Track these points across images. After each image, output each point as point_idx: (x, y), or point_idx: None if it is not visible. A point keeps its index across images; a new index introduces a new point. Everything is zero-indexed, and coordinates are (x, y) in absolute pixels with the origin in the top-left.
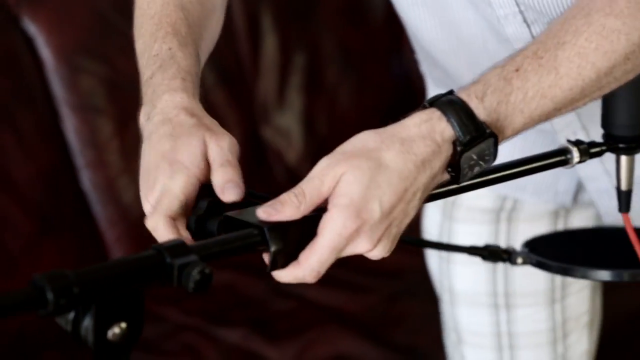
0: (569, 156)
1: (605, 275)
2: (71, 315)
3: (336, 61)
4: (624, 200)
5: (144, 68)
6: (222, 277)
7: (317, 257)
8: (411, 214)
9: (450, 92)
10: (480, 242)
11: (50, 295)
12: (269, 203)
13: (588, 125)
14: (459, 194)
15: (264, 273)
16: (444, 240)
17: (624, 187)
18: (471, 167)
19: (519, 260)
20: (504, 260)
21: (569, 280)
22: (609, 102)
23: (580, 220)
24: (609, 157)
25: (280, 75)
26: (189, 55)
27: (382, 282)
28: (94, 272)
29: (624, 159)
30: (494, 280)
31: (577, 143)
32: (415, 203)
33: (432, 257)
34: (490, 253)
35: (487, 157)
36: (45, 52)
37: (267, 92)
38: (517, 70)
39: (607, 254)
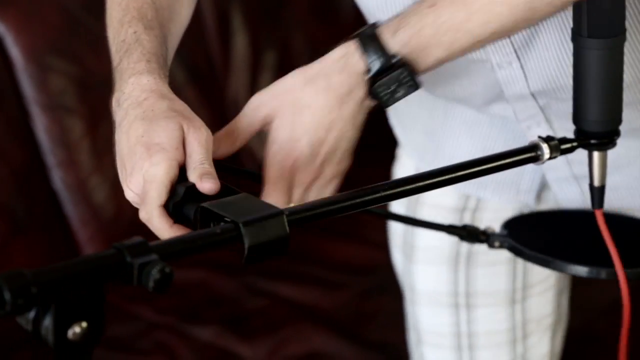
0: (539, 152)
1: (580, 271)
2: (32, 314)
3: (307, 59)
4: (597, 196)
5: (114, 55)
6: (195, 275)
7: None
8: (347, 136)
9: (372, 26)
10: (443, 242)
11: (7, 295)
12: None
13: (552, 118)
14: (426, 191)
15: (237, 271)
16: (408, 239)
17: (597, 183)
18: (393, 92)
19: (496, 243)
20: (481, 241)
21: (531, 281)
22: (580, 98)
23: None
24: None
25: (251, 73)
26: (155, 38)
27: (354, 278)
28: (53, 271)
29: (596, 154)
30: (455, 280)
31: (548, 139)
32: (348, 132)
33: (397, 254)
34: (469, 233)
35: (407, 83)
36: (15, 52)
37: (238, 90)
38: (431, 6)
39: (590, 242)
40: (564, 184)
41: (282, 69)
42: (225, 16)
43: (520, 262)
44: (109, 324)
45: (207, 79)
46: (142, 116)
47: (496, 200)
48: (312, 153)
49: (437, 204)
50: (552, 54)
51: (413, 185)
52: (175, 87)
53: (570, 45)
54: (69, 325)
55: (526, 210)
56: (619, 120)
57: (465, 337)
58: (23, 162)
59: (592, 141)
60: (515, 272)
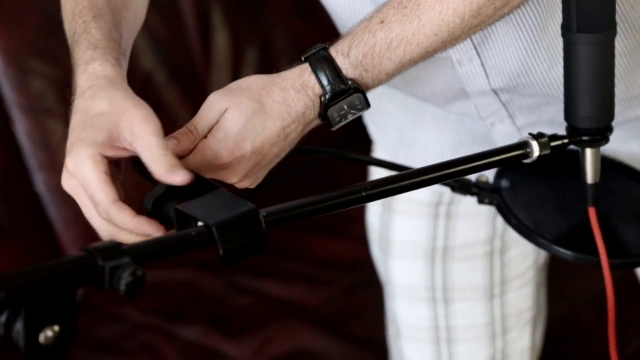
0: (528, 150)
1: (565, 254)
2: (3, 318)
3: (288, 55)
4: (590, 193)
5: (70, 47)
6: (179, 275)
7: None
8: (282, 155)
9: (324, 48)
10: (418, 236)
11: None
12: (166, 138)
13: (515, 113)
14: (413, 189)
15: (222, 269)
16: (384, 233)
17: (590, 180)
18: (343, 116)
19: (486, 200)
20: (472, 194)
21: (509, 276)
22: (571, 94)
23: None
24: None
25: (232, 71)
26: (104, 24)
27: (340, 274)
28: (23, 275)
29: (589, 151)
30: (432, 274)
31: (537, 136)
32: (286, 146)
33: (375, 249)
34: (460, 185)
35: (358, 107)
36: None
37: (219, 88)
38: (382, 22)
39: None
40: None
41: (264, 67)
42: (205, 14)
43: (497, 257)
44: (94, 325)
45: (188, 78)
46: (81, 107)
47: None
48: (250, 159)
49: (412, 198)
50: (512, 51)
51: (397, 184)
52: (157, 87)
53: (529, 42)
54: (41, 329)
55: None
56: (611, 116)
57: (444, 331)
58: (4, 165)
59: (584, 138)
60: (493, 267)
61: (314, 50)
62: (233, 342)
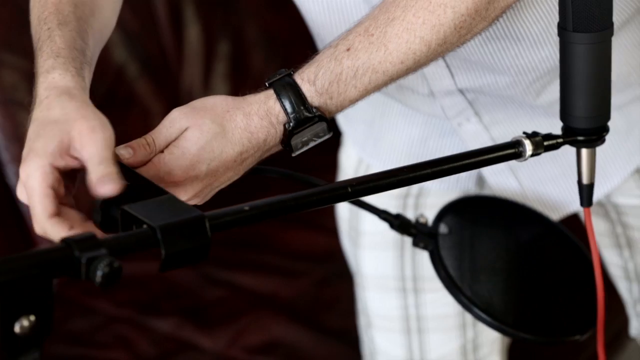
0: (520, 149)
1: (483, 318)
2: None
3: (261, 48)
4: (585, 194)
5: (35, 52)
6: (152, 267)
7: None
8: (234, 178)
9: (289, 74)
10: (387, 227)
11: None
12: (122, 146)
13: (481, 111)
14: (402, 187)
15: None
16: (353, 224)
17: (585, 180)
18: (305, 143)
19: (421, 244)
20: (410, 234)
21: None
22: (566, 94)
23: None
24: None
25: (205, 64)
26: (69, 32)
27: (313, 266)
28: None
29: (584, 152)
30: (401, 265)
31: (531, 135)
32: (241, 170)
33: (345, 240)
34: (401, 224)
35: (321, 135)
36: None
37: (192, 81)
38: (348, 49)
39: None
40: (500, 175)
41: (236, 59)
42: (177, 7)
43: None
44: (68, 318)
45: (160, 70)
46: (36, 116)
47: (437, 188)
48: (203, 181)
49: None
50: (477, 56)
51: (385, 181)
52: (129, 80)
53: (492, 44)
54: (16, 318)
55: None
56: (607, 117)
57: (414, 321)
58: None
59: (580, 138)
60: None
61: (278, 77)
62: (207, 334)
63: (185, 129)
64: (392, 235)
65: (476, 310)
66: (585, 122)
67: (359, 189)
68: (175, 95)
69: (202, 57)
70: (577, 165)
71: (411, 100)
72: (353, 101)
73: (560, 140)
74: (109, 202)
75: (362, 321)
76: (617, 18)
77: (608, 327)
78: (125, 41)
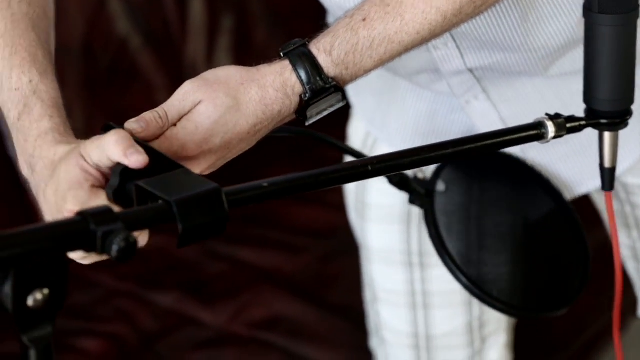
0: (543, 130)
1: (463, 282)
2: None
3: (264, 22)
4: (607, 178)
5: (7, 104)
6: (154, 241)
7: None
8: (246, 149)
9: (304, 44)
10: (394, 200)
11: None
12: (135, 120)
13: (488, 88)
14: (412, 168)
15: None
16: (360, 197)
17: (607, 164)
18: (320, 112)
19: (417, 202)
20: (407, 190)
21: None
22: (591, 77)
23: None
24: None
25: (209, 38)
26: (51, 84)
27: (315, 242)
28: (12, 237)
29: (607, 135)
30: (408, 239)
31: (554, 117)
32: (254, 141)
33: (352, 214)
34: (399, 180)
35: (336, 105)
36: None
37: (195, 55)
38: (364, 19)
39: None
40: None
41: (240, 33)
42: None
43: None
44: (69, 292)
45: (164, 44)
46: (52, 175)
47: None
48: (217, 153)
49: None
50: (488, 35)
51: (407, 159)
52: (132, 53)
53: (504, 21)
54: (29, 292)
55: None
56: (631, 99)
57: (420, 296)
58: None
59: (603, 121)
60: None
61: (293, 47)
62: (208, 308)
63: (199, 103)
64: (399, 208)
65: (459, 274)
66: (609, 105)
67: (380, 167)
68: (179, 69)
69: (205, 30)
70: (600, 148)
71: (418, 78)
72: (368, 71)
73: (583, 122)
74: (123, 179)
75: (368, 295)
76: None
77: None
78: (128, 13)
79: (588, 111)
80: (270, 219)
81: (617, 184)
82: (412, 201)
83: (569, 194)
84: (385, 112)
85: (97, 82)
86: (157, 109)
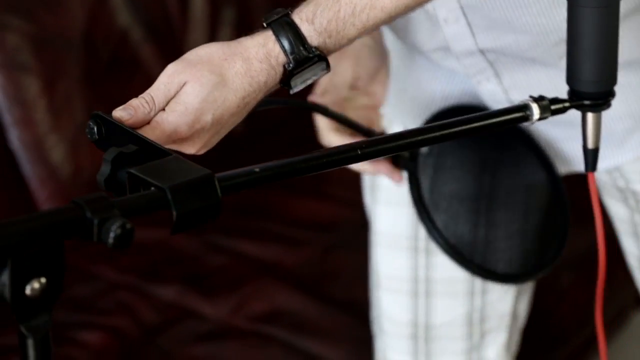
0: (528, 112)
1: (444, 248)
2: None
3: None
4: (590, 158)
5: None
6: (155, 234)
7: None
8: (239, 121)
9: (287, 14)
10: (404, 184)
11: None
12: (122, 107)
13: (502, 72)
14: (409, 149)
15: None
16: (373, 178)
17: (590, 145)
18: (304, 81)
19: (401, 164)
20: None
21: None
22: (573, 57)
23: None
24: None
25: (210, 30)
26: None
27: (317, 235)
28: (9, 225)
29: (590, 116)
30: (415, 223)
31: (538, 99)
32: (244, 113)
33: (367, 194)
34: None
35: (320, 73)
36: None
37: (196, 46)
38: None
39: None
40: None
41: (241, 25)
42: None
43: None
44: (70, 284)
45: (165, 36)
46: None
47: None
48: (210, 131)
49: None
50: (499, 12)
51: (394, 143)
52: (133, 44)
53: (516, 1)
54: (27, 281)
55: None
56: (613, 80)
57: (423, 283)
58: None
59: (586, 102)
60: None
61: (276, 17)
62: (209, 301)
63: (184, 84)
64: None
65: (437, 235)
66: (592, 86)
67: (369, 152)
68: None
69: (207, 22)
70: (583, 129)
71: (433, 55)
72: (351, 40)
73: (567, 104)
74: (115, 167)
75: (372, 280)
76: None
77: (611, 301)
78: (129, 5)
79: (571, 93)
80: (272, 212)
81: (627, 191)
82: (395, 162)
83: (565, 168)
84: (399, 90)
85: (98, 74)
86: (143, 95)
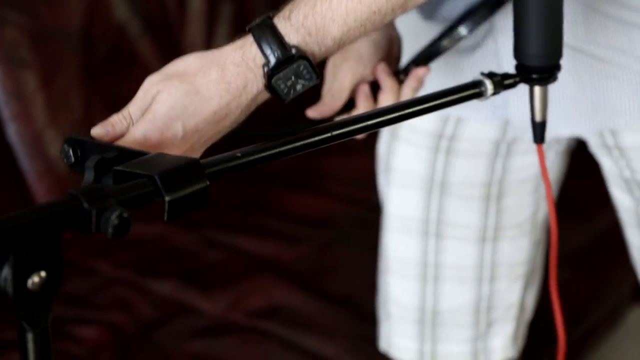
0: (482, 88)
1: None
2: None
3: (263, 10)
4: (538, 131)
5: None
6: (153, 229)
7: None
8: (225, 131)
9: (269, 17)
10: (418, 165)
11: None
12: (100, 124)
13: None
14: (374, 129)
15: (195, 224)
16: (387, 160)
17: (538, 118)
18: (292, 87)
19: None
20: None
21: (504, 224)
22: (520, 32)
23: (520, 161)
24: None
25: (207, 25)
26: None
27: (314, 230)
28: (10, 220)
29: (537, 89)
30: (427, 206)
31: (490, 75)
32: (228, 123)
33: (381, 177)
34: None
35: (306, 76)
36: None
37: (193, 42)
38: None
39: None
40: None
41: (239, 21)
42: None
43: (494, 202)
44: (67, 279)
45: (163, 31)
46: None
47: (475, 117)
48: (186, 140)
49: (415, 126)
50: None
51: (358, 125)
52: (131, 39)
53: None
54: (28, 275)
55: (502, 149)
56: (559, 54)
57: (432, 268)
58: None
59: (534, 76)
60: (488, 211)
61: (258, 21)
62: (206, 297)
63: (157, 94)
64: (422, 175)
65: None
66: (538, 60)
67: (340, 133)
68: (178, 56)
69: (205, 18)
70: (530, 103)
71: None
72: (336, 40)
73: (517, 79)
74: (98, 173)
75: (382, 264)
76: None
77: (607, 298)
78: (127, 0)
79: (519, 67)
80: (269, 208)
81: (632, 183)
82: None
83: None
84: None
85: (96, 69)
86: (121, 111)
